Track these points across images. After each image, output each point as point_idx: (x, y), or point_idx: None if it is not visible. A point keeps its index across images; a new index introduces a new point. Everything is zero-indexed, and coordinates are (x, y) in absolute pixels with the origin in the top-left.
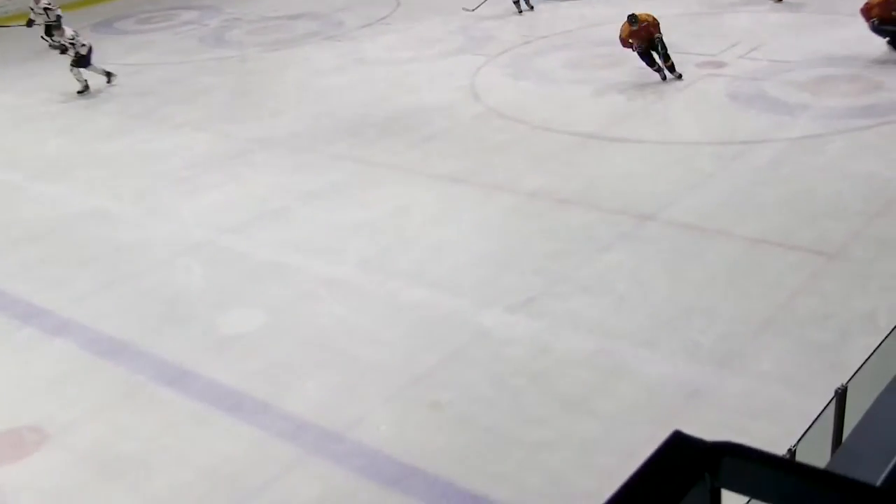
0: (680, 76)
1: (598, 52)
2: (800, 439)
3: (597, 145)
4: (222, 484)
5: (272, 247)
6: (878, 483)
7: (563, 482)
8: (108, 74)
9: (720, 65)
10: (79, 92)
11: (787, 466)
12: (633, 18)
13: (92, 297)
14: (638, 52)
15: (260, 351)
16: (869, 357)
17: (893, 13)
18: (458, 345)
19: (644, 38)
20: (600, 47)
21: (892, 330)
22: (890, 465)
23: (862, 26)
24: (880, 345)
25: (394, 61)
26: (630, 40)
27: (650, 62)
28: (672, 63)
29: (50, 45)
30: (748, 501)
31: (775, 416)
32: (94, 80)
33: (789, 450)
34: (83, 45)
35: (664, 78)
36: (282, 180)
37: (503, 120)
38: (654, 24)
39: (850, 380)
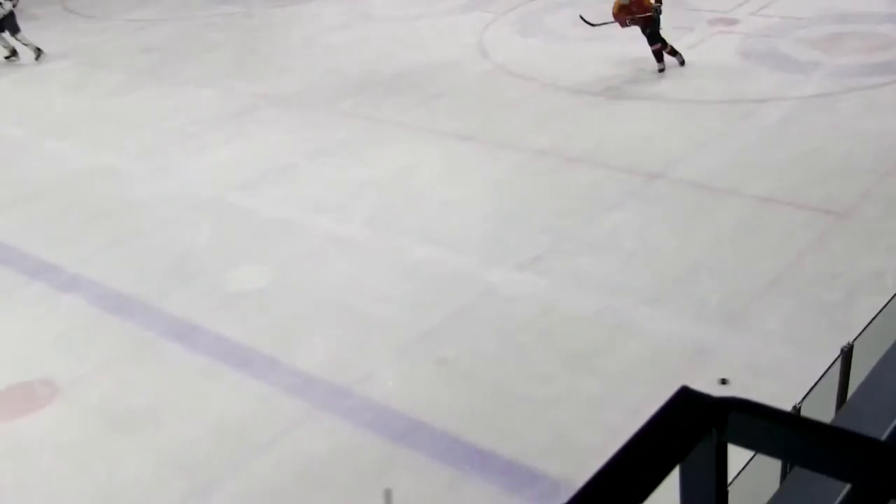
0: (682, 62)
1: (607, 8)
2: (805, 396)
3: (606, 103)
4: (230, 438)
5: (279, 204)
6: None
7: (569, 438)
8: (14, 53)
9: (732, 22)
10: (6, 58)
11: (793, 422)
12: None
13: (100, 254)
14: (643, 34)
15: (267, 307)
16: (875, 316)
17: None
18: (465, 302)
19: (639, 13)
20: (609, 3)
21: None
22: (894, 423)
23: None
24: (887, 304)
25: (401, 18)
26: (626, 18)
27: (658, 43)
28: (660, 47)
29: None
30: (754, 456)
31: (781, 375)
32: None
33: (794, 407)
34: None
35: (682, 62)
36: (289, 137)
37: (511, 77)
38: None
39: (856, 338)
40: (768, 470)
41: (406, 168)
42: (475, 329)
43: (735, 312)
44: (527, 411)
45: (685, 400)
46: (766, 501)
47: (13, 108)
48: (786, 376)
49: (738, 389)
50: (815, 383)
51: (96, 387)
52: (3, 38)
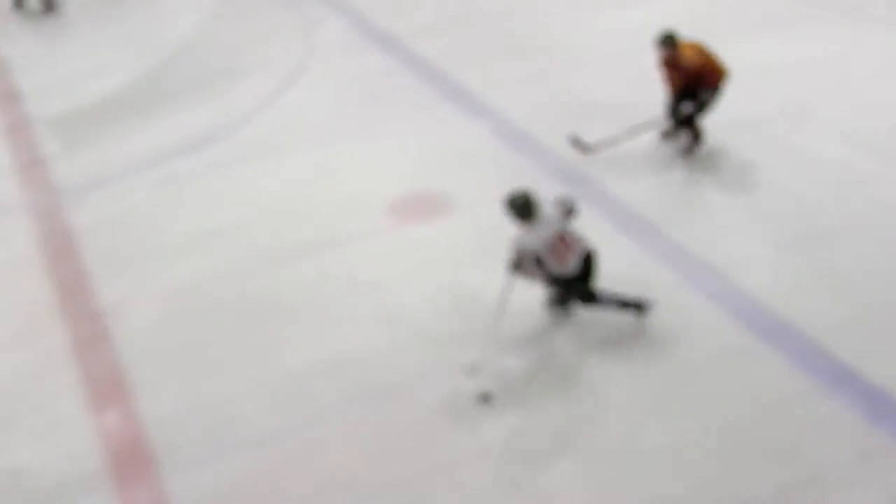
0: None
1: None
2: None
3: None
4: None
5: None
6: None
7: None
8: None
9: None
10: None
11: None
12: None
13: (510, 87)
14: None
15: (658, 173)
16: None
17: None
18: (867, 209)
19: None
20: None
21: None
22: None
23: None
24: None
25: None
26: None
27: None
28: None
29: None
30: None
31: None
32: None
33: None
34: None
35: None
36: (716, 4)
37: None
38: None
39: None
40: None
41: (839, 55)
42: (868, 239)
43: None
44: None
45: None
46: None
47: None
48: None
49: None
50: None
51: (482, 211)
52: None
